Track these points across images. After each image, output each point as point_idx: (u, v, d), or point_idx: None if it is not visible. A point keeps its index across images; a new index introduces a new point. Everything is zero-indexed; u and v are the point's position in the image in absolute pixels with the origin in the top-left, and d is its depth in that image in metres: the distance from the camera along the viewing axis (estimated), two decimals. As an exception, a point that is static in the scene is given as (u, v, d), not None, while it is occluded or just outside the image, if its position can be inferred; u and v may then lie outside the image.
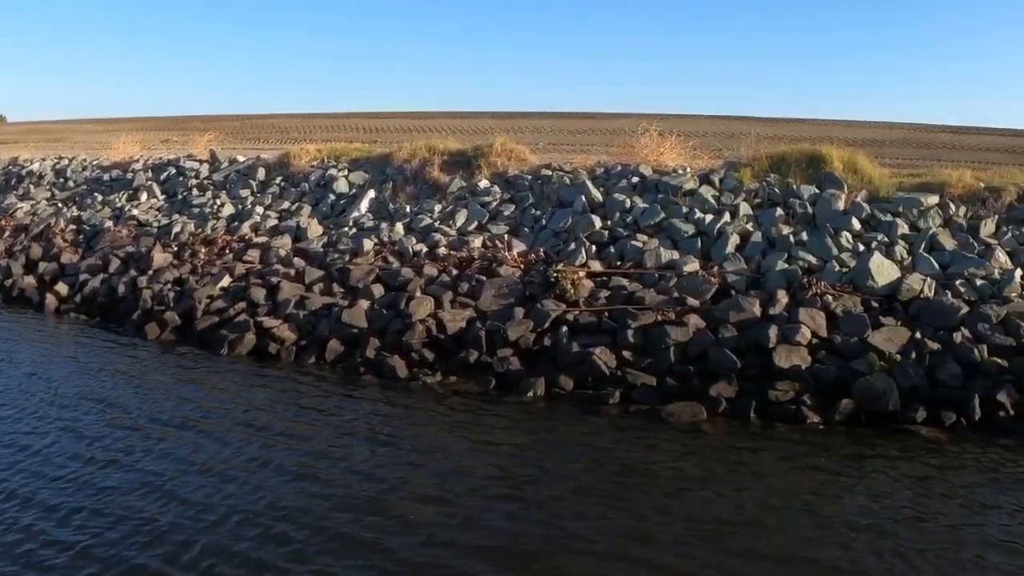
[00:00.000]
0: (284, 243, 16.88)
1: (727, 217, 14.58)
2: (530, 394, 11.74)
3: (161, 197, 21.37)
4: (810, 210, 14.60)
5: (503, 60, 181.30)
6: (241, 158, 22.09)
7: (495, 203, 16.73)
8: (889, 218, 14.28)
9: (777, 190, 15.14)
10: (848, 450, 10.12)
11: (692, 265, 13.59)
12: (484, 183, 17.40)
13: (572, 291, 13.22)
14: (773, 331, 11.77)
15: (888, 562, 7.47)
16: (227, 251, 17.18)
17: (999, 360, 11.52)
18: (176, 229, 18.68)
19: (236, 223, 18.52)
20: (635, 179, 16.11)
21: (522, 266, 14.38)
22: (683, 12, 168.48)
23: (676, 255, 13.93)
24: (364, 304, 13.95)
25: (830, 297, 12.60)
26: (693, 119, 28.37)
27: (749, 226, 14.41)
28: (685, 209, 14.93)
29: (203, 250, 17.40)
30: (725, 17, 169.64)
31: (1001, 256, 13.52)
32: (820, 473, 9.49)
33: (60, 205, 22.46)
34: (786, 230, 14.15)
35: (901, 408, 10.92)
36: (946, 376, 11.23)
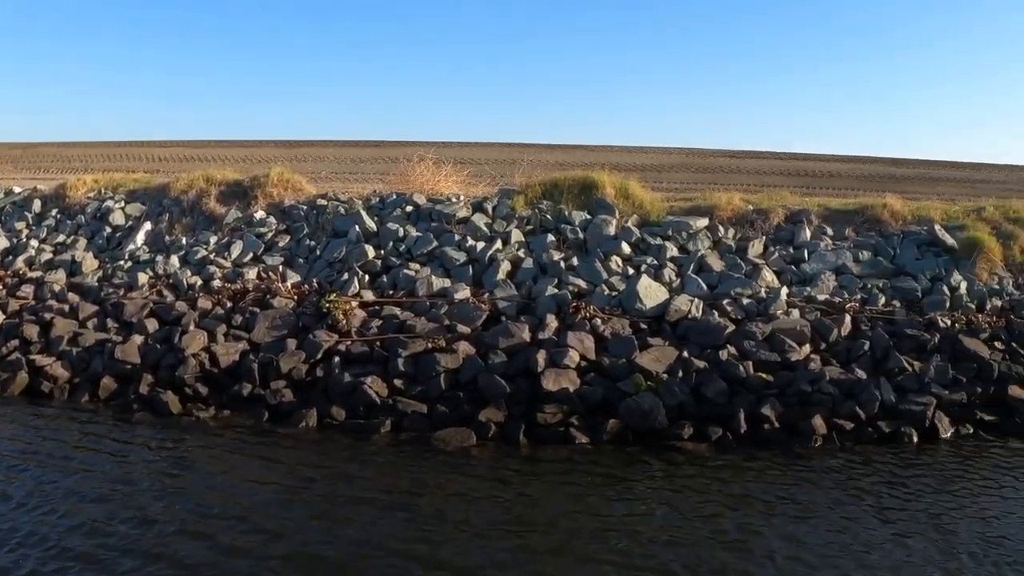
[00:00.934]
0: (58, 278, 16.02)
1: (499, 244, 14.67)
2: (302, 425, 11.47)
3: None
4: (581, 236, 14.88)
5: (289, 88, 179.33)
6: (17, 189, 20.98)
7: (271, 234, 16.39)
8: (659, 241, 14.74)
9: (549, 216, 15.35)
10: (614, 468, 10.26)
11: (463, 292, 13.61)
12: (260, 214, 17.02)
13: (344, 321, 13.04)
14: (542, 355, 11.88)
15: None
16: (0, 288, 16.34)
17: (764, 375, 12.06)
18: (-55, 267, 17.51)
19: (10, 258, 17.48)
20: (409, 208, 16.04)
21: (296, 297, 14.11)
22: (461, 39, 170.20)
23: (448, 283, 13.92)
24: (138, 339, 13.38)
25: (599, 320, 12.82)
26: (476, 147, 28.63)
27: (521, 253, 14.53)
28: (458, 237, 14.94)
29: (-26, 288, 16.40)
30: (505, 43, 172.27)
31: (768, 275, 14.14)
32: (586, 491, 9.55)
33: None
34: (557, 256, 14.33)
35: (668, 425, 11.19)
36: (712, 393, 11.61)
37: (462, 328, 12.74)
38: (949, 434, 11.82)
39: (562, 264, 14.10)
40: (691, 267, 14.19)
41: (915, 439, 11.53)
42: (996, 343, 13.46)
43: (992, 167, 32.92)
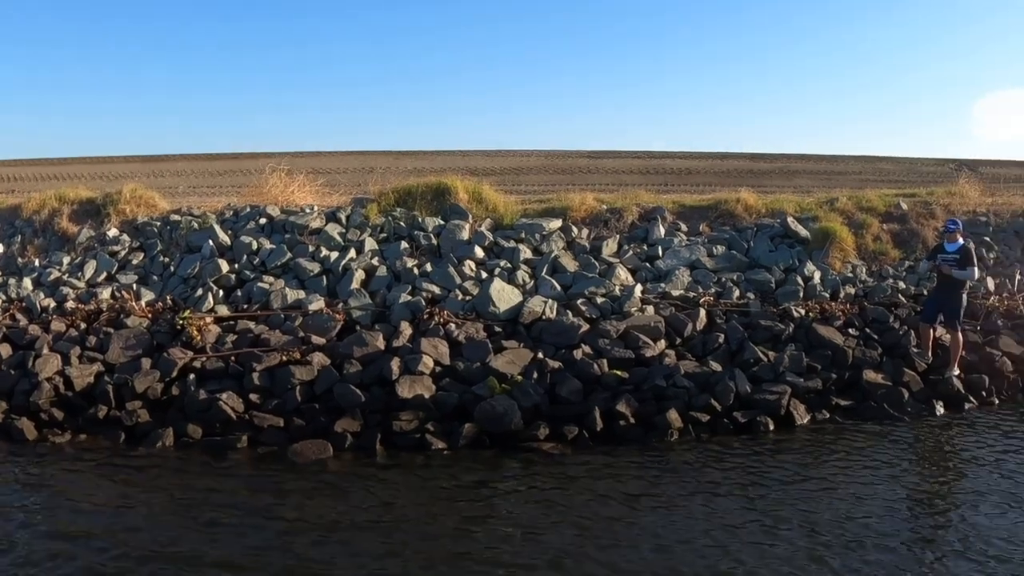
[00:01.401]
0: (-91, 309, 15.59)
1: (352, 253, 14.69)
2: (159, 445, 11.29)
3: None
4: (435, 241, 15.03)
5: (146, 101, 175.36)
6: None
7: (124, 252, 16.10)
8: (512, 244, 14.95)
9: (403, 224, 15.44)
10: (471, 472, 10.39)
11: (317, 303, 13.61)
12: (113, 232, 16.70)
13: (199, 338, 12.93)
14: (395, 363, 11.96)
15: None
16: None
17: (619, 372, 12.33)
18: None
19: None
20: (263, 220, 15.92)
21: (150, 315, 13.91)
22: (316, 43, 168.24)
23: (303, 294, 13.89)
24: (-9, 366, 13.09)
25: (453, 325, 12.98)
26: (332, 155, 28.46)
27: (375, 261, 14.58)
28: (311, 248, 14.90)
29: None
30: (362, 45, 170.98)
31: (623, 273, 14.52)
32: (442, 495, 9.70)
33: None
34: (411, 263, 14.43)
35: (524, 427, 11.33)
36: (567, 392, 11.83)
37: (317, 339, 12.75)
38: (806, 421, 12.21)
39: (416, 271, 14.23)
40: (545, 268, 14.45)
41: (771, 427, 11.83)
42: (850, 330, 14.11)
43: (849, 159, 34.02)
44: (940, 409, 12.88)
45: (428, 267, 14.35)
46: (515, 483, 10.08)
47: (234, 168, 29.29)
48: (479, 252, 14.75)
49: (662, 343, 13.21)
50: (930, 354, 13.76)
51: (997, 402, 13.41)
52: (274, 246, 15.07)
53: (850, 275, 15.91)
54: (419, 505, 9.43)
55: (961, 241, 13.70)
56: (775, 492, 9.71)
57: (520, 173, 24.57)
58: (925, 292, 15.11)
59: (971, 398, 13.26)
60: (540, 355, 12.47)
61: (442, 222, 15.51)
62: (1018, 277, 16.64)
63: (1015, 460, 10.82)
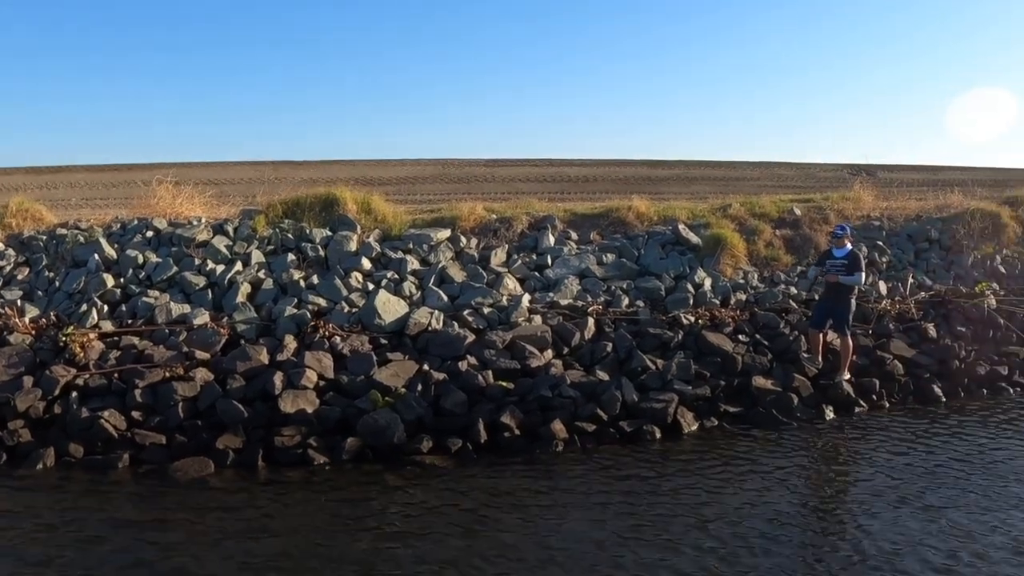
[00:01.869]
0: None
1: (239, 266, 14.58)
2: (40, 466, 11.15)
3: None
4: (322, 253, 15.02)
5: (41, 111, 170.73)
6: None
7: (9, 267, 15.76)
8: (400, 255, 15.00)
9: (291, 235, 15.40)
10: (352, 486, 10.47)
11: (202, 318, 13.48)
12: (-1, 247, 16.51)
13: (82, 354, 12.76)
14: (279, 377, 11.97)
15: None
16: None
17: (504, 383, 12.47)
18: None
19: None
20: (150, 233, 15.69)
21: (34, 332, 13.71)
22: (210, 51, 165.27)
23: (188, 308, 13.75)
24: None
25: (338, 338, 13.02)
26: (226, 166, 28.10)
27: (261, 274, 14.50)
28: (198, 261, 14.73)
29: None
30: (259, 55, 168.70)
31: (511, 283, 14.69)
32: (322, 509, 9.79)
33: None
34: (297, 275, 14.38)
35: (407, 440, 11.40)
36: (451, 404, 11.93)
37: (201, 354, 12.67)
38: (694, 428, 12.46)
39: (302, 283, 14.19)
40: (432, 279, 14.53)
41: (658, 436, 12.07)
42: (740, 336, 14.50)
43: (747, 164, 34.56)
44: (830, 414, 13.22)
45: (315, 279, 14.30)
46: (397, 497, 10.16)
47: (127, 180, 28.77)
48: (366, 263, 14.78)
49: (549, 353, 13.37)
50: (820, 359, 13.99)
51: (888, 405, 13.82)
52: (160, 260, 14.85)
53: (741, 281, 16.27)
54: (300, 520, 9.48)
55: (849, 246, 14.05)
56: (662, 501, 9.91)
57: (416, 182, 24.61)
58: (816, 297, 15.41)
59: (861, 402, 13.66)
60: (426, 367, 12.56)
61: (330, 233, 15.46)
62: (910, 280, 17.25)
63: (903, 462, 11.27)
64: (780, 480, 10.63)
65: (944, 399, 14.22)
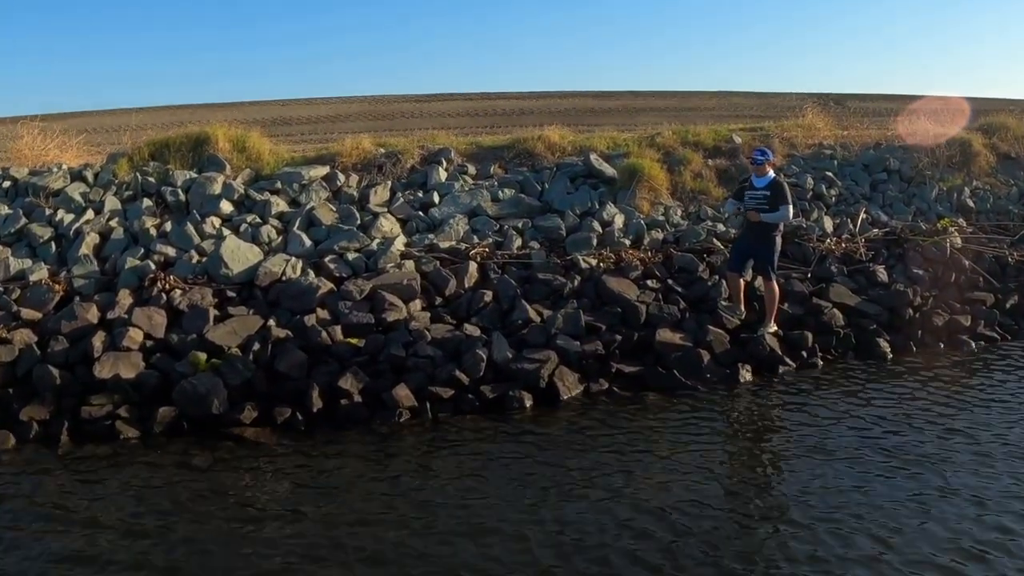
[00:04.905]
0: None
1: (89, 215, 13.36)
2: None
3: None
4: (183, 198, 13.75)
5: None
6: None
7: None
8: (266, 196, 13.85)
9: (152, 180, 14.10)
10: (156, 466, 9.27)
11: (39, 273, 12.22)
12: None
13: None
14: (98, 338, 10.87)
15: None
16: None
17: (353, 341, 11.17)
18: None
19: None
20: (7, 183, 14.40)
21: None
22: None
23: (30, 263, 12.53)
24: None
25: (179, 292, 11.86)
26: (135, 112, 26.45)
27: (114, 223, 13.24)
28: (49, 211, 13.49)
29: None
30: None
31: (387, 224, 13.47)
32: (113, 491, 8.71)
33: None
34: (151, 222, 13.19)
35: (230, 409, 10.21)
36: (285, 367, 10.68)
37: (29, 314, 11.52)
38: (575, 393, 10.86)
39: (153, 231, 13.00)
40: (298, 223, 13.35)
41: (528, 404, 10.55)
42: (649, 281, 12.91)
43: (703, 94, 32.59)
44: (747, 375, 11.57)
45: (168, 227, 13.12)
46: (201, 480, 8.92)
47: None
48: (226, 207, 13.54)
49: (417, 304, 12.06)
50: (743, 308, 12.34)
51: (821, 364, 12.10)
52: (11, 211, 13.61)
53: (660, 218, 14.78)
54: (91, 509, 8.36)
55: (772, 174, 12.25)
56: (501, 486, 8.44)
57: (337, 121, 23.46)
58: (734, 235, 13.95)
59: (788, 360, 11.98)
60: (272, 323, 11.39)
61: (195, 175, 14.21)
62: (862, 216, 15.78)
63: (826, 441, 9.45)
64: (661, 462, 8.94)
65: (891, 355, 12.52)
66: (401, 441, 9.80)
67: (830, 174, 17.01)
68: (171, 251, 12.67)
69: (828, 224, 15.44)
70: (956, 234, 15.29)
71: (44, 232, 13.09)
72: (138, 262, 12.38)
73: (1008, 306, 14.17)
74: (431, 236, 13.64)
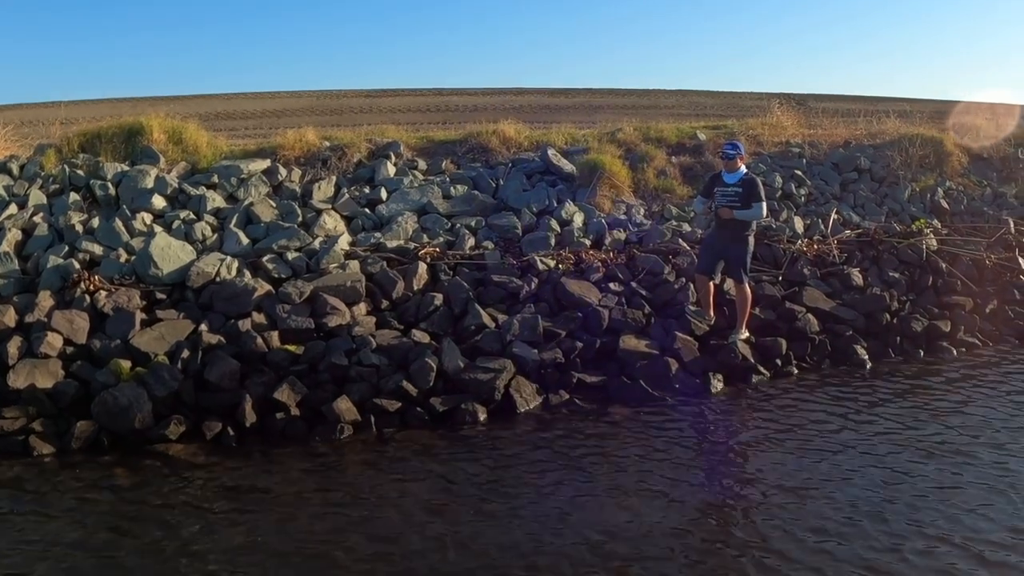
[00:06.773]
0: None
1: (12, 209, 12.50)
2: None
3: None
4: (113, 192, 12.96)
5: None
6: None
7: None
8: (201, 191, 13.02)
9: (81, 173, 13.28)
10: (72, 488, 8.41)
11: (-48, 274, 11.32)
12: None
13: None
14: (13, 344, 10.02)
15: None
16: None
17: (291, 347, 10.45)
18: None
19: None
20: (-71, 179, 13.41)
21: None
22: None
23: (-56, 265, 11.58)
24: None
25: (104, 293, 11.02)
26: (91, 105, 25.65)
27: (38, 218, 12.39)
28: (-31, 207, 12.52)
29: None
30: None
31: (330, 222, 12.72)
32: (16, 518, 7.84)
33: None
34: (77, 218, 12.36)
35: (154, 424, 9.41)
36: (216, 376, 9.87)
37: (-60, 319, 10.66)
38: (533, 406, 10.22)
39: (79, 227, 12.16)
40: (236, 219, 12.56)
41: (482, 417, 9.87)
42: (612, 284, 12.23)
43: (662, 92, 32.14)
44: (718, 384, 10.97)
45: (95, 223, 12.28)
46: (120, 503, 8.10)
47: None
48: (159, 202, 12.76)
49: (361, 307, 11.33)
50: (712, 313, 11.79)
51: (796, 372, 11.62)
52: None
53: (622, 217, 14.16)
54: None
55: (744, 170, 11.67)
56: (452, 510, 7.76)
57: (283, 115, 22.75)
58: (701, 235, 13.35)
59: (761, 368, 11.43)
60: (203, 327, 10.60)
61: (127, 169, 13.39)
62: (833, 217, 15.23)
63: (806, 457, 8.84)
64: (626, 481, 8.23)
65: (869, 362, 12.07)
66: (342, 459, 9.03)
67: (799, 173, 16.48)
68: (97, 249, 11.84)
69: (799, 225, 14.91)
70: (931, 236, 14.87)
71: (-40, 230, 12.07)
72: (61, 261, 11.51)
73: (988, 310, 13.71)
74: (378, 235, 12.92)
